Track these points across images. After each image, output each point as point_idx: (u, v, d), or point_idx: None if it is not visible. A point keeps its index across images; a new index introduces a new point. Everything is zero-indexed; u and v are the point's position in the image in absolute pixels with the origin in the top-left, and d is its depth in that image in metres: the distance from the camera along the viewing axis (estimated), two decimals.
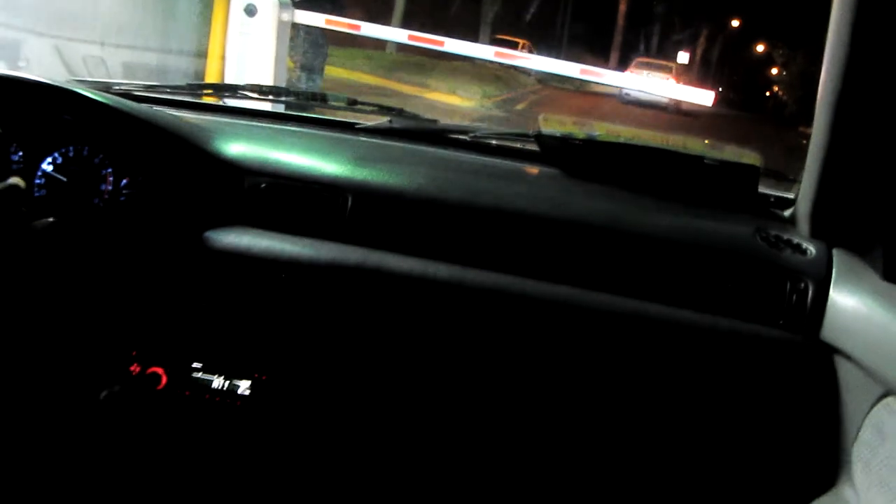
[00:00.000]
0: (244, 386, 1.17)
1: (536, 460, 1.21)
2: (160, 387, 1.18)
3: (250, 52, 4.26)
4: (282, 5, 4.28)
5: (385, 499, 1.26)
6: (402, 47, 13.35)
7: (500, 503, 1.24)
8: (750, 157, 1.45)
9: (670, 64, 15.96)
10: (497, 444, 1.22)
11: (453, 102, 10.60)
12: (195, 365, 1.18)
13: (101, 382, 1.16)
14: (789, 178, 1.44)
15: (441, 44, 4.73)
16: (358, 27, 4.64)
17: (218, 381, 1.17)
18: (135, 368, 1.18)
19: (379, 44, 13.15)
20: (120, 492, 1.25)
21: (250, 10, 4.12)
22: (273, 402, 1.18)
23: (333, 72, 10.40)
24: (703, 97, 4.13)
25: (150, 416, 1.21)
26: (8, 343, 1.18)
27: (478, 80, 12.04)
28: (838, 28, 1.08)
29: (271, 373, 1.18)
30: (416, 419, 1.22)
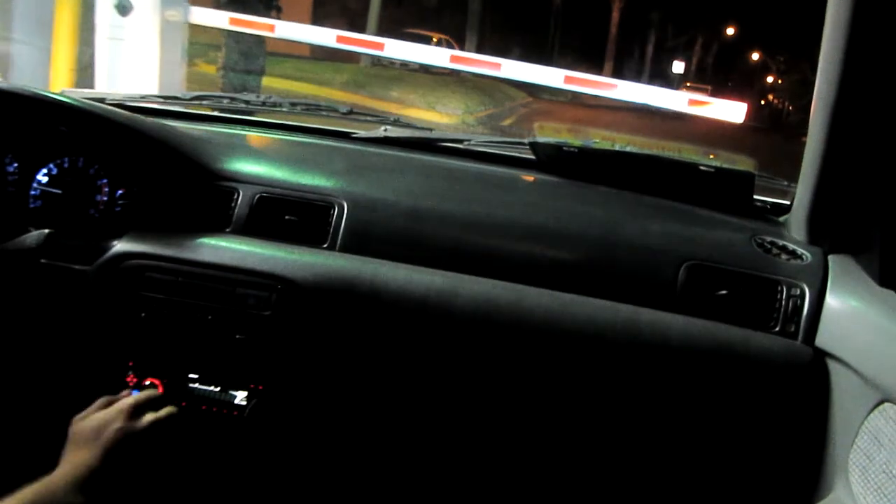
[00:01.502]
0: (241, 397, 1.16)
1: (536, 461, 1.21)
2: None
3: (125, 61, 3.27)
4: (166, 0, 3.36)
5: None
6: (378, 60, 12.47)
7: None
8: (745, 163, 1.45)
9: (707, 86, 21.14)
10: (495, 449, 1.21)
11: (432, 119, 9.71)
12: (192, 376, 1.17)
13: (98, 394, 1.16)
14: (785, 183, 1.45)
15: (380, 47, 3.83)
16: (272, 28, 3.86)
17: (215, 393, 1.17)
18: (131, 380, 1.17)
19: (354, 57, 12.31)
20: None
21: (123, 7, 3.22)
22: (270, 413, 1.18)
23: (297, 87, 9.52)
24: (735, 111, 3.46)
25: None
26: (5, 355, 1.18)
27: (459, 94, 11.26)
28: (833, 34, 1.08)
29: (268, 383, 1.17)
30: (415, 427, 1.22)
